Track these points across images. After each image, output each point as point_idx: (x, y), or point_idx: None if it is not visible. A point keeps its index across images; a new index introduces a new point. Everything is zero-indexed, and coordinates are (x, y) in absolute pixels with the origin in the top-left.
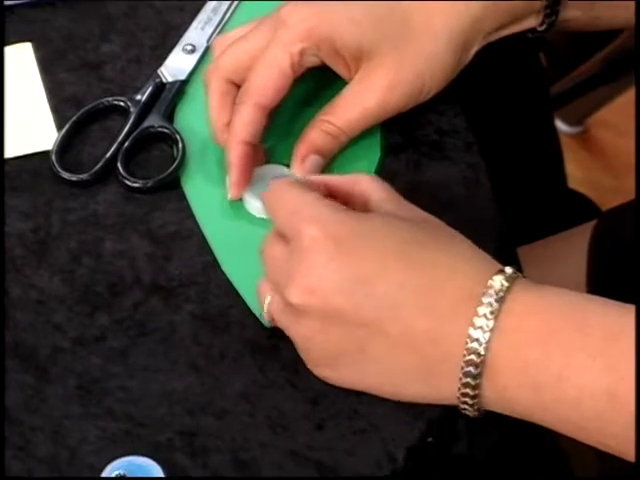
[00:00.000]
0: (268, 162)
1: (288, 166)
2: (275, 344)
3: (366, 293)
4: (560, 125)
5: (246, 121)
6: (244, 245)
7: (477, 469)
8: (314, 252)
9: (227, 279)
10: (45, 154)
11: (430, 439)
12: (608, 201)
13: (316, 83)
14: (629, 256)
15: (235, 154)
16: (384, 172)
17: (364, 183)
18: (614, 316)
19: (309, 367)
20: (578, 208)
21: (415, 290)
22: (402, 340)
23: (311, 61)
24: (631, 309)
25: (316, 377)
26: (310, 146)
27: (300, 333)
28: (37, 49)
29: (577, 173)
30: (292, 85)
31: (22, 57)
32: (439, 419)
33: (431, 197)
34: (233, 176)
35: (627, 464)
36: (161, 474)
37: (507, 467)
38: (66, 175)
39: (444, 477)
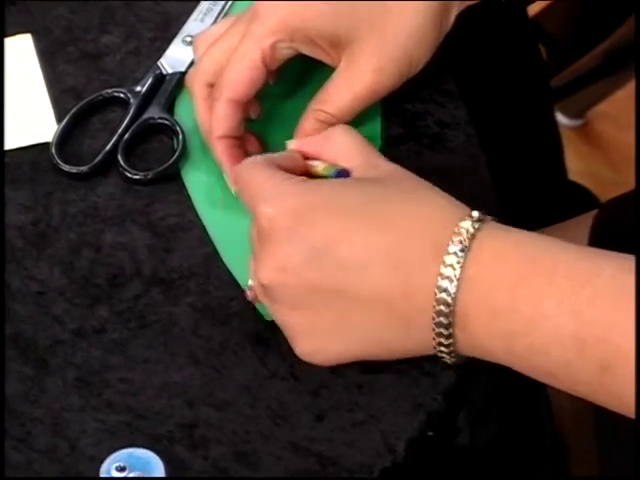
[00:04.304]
0: (267, 152)
1: None
2: (276, 336)
3: (332, 259)
4: (560, 118)
5: (221, 117)
6: (244, 237)
7: (477, 460)
8: (274, 231)
9: (227, 271)
10: (45, 146)
11: (431, 433)
12: (608, 194)
13: (312, 71)
14: (630, 245)
15: (219, 150)
16: None
17: (333, 140)
18: (584, 263)
19: (295, 350)
20: (578, 199)
21: (381, 248)
22: (376, 301)
23: (286, 53)
24: (600, 255)
25: (316, 369)
26: (307, 136)
27: (279, 313)
28: (37, 40)
29: (577, 166)
30: (289, 74)
31: (22, 49)
32: (439, 411)
33: None
34: (227, 171)
35: (628, 463)
36: (161, 466)
37: (507, 458)
38: (66, 167)
39: (445, 469)
